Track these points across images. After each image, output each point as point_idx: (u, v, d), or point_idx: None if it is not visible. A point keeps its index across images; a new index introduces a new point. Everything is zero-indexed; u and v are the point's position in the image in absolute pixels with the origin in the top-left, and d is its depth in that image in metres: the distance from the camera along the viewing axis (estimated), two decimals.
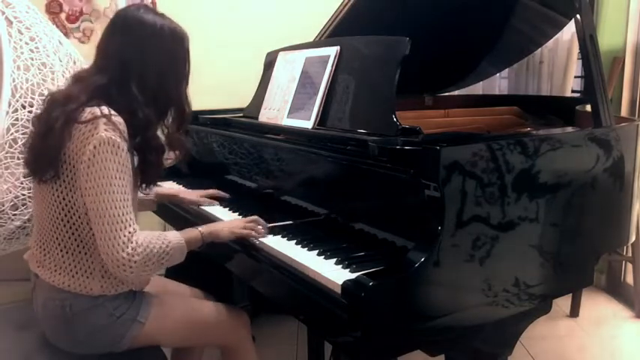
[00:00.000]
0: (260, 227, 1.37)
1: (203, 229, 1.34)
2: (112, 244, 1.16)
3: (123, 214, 1.17)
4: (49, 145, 1.22)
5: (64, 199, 1.24)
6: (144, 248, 1.18)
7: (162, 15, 1.33)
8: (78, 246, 1.26)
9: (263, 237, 1.35)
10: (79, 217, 1.24)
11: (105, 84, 1.24)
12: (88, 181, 1.17)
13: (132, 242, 1.17)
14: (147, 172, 1.30)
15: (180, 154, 1.38)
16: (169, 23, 1.32)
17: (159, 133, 1.34)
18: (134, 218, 1.21)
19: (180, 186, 1.95)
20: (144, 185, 1.35)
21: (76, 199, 1.23)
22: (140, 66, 1.26)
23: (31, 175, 1.29)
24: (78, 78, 1.31)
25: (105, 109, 1.19)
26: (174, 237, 1.26)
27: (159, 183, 1.96)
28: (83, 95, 1.23)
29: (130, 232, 1.17)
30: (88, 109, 1.20)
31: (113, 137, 1.17)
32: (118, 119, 1.20)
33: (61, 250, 1.27)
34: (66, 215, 1.24)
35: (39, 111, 1.37)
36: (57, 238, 1.27)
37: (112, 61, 1.27)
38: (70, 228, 1.25)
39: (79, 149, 1.19)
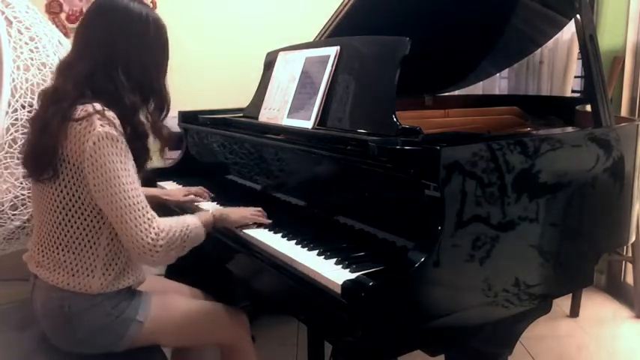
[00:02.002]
0: (263, 217, 1.42)
1: (215, 211, 1.38)
2: (136, 232, 1.18)
3: (137, 203, 1.19)
4: (45, 145, 1.22)
5: (64, 197, 1.24)
6: (166, 232, 1.21)
7: (145, 4, 1.34)
8: (80, 244, 1.26)
9: (267, 225, 1.42)
10: (82, 214, 1.24)
11: (89, 72, 1.24)
12: (96, 177, 1.18)
13: (154, 227, 1.20)
14: (137, 158, 1.28)
15: (162, 143, 1.39)
16: (152, 12, 1.33)
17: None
18: (148, 205, 1.22)
19: (180, 186, 1.95)
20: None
21: (78, 197, 1.23)
22: (126, 53, 1.27)
23: (30, 175, 1.29)
24: (62, 69, 1.31)
25: (97, 106, 1.20)
26: (192, 220, 1.30)
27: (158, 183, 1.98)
28: (72, 90, 1.23)
29: (149, 219, 1.20)
30: (80, 107, 1.20)
31: (110, 131, 1.18)
32: (110, 114, 1.20)
33: (63, 249, 1.27)
34: (67, 213, 1.25)
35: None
36: (58, 237, 1.27)
37: (96, 48, 1.26)
38: (72, 226, 1.25)
39: (77, 147, 1.19)
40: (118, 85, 1.25)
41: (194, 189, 1.75)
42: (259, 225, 1.43)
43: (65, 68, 1.30)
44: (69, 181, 1.23)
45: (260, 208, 1.46)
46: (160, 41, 1.34)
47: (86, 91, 1.23)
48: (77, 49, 1.31)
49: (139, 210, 1.19)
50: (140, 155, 1.30)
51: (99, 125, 1.18)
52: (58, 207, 1.25)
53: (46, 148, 1.22)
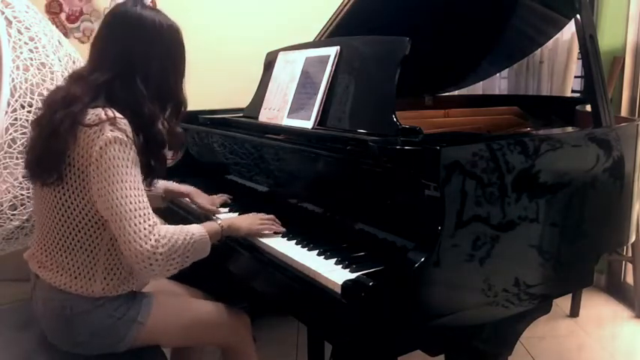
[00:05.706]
0: (276, 225, 1.39)
1: (223, 222, 1.35)
2: (134, 239, 1.14)
3: (140, 208, 1.16)
4: (53, 149, 1.20)
5: (66, 201, 1.23)
6: (167, 240, 1.16)
7: (157, 10, 1.35)
8: (81, 248, 1.25)
9: (279, 234, 1.37)
10: (83, 219, 1.23)
11: (107, 81, 1.24)
12: (99, 181, 1.17)
13: (154, 234, 1.15)
14: (153, 167, 1.29)
15: (178, 149, 1.38)
16: (165, 19, 1.33)
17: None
18: (152, 212, 1.19)
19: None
20: (149, 180, 1.32)
21: (80, 201, 1.22)
22: (144, 62, 1.27)
23: (34, 178, 1.28)
24: (77, 77, 1.30)
25: (109, 112, 1.19)
26: (197, 230, 1.25)
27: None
28: (86, 95, 1.22)
29: (150, 225, 1.15)
30: (91, 111, 1.19)
31: (119, 136, 1.17)
32: (122, 121, 1.19)
33: (64, 252, 1.26)
34: (69, 218, 1.24)
35: (38, 113, 1.36)
36: (59, 240, 1.26)
37: (114, 58, 1.26)
38: (73, 230, 1.24)
39: (85, 151, 1.18)
40: (138, 95, 1.24)
41: (219, 199, 1.69)
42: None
43: (78, 77, 1.29)
44: (72, 185, 1.22)
45: (272, 216, 1.41)
46: (176, 47, 1.33)
47: (100, 96, 1.22)
48: (93, 61, 1.30)
49: (140, 216, 1.15)
50: (156, 163, 1.29)
51: (108, 130, 1.16)
52: (59, 210, 1.24)
53: (54, 152, 1.20)
